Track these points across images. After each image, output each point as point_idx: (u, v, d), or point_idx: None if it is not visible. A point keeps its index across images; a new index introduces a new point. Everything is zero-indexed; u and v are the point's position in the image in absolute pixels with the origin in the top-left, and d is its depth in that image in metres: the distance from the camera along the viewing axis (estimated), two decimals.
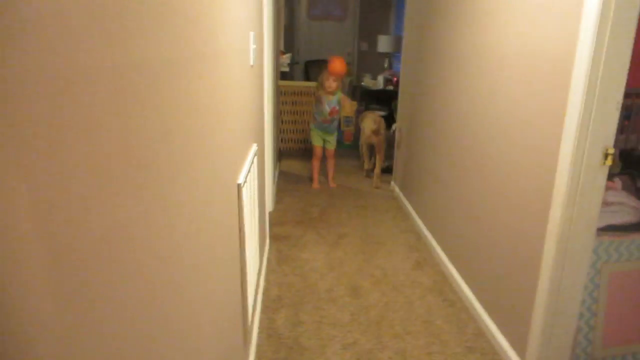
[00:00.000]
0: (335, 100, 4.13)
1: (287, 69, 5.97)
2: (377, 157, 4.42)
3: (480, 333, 2.24)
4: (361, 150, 4.76)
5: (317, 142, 4.29)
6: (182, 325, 0.80)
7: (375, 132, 4.38)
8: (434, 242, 3.06)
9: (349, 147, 5.78)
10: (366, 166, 4.72)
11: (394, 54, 7.39)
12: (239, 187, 1.49)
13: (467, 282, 2.51)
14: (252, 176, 1.84)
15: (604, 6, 1.44)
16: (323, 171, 4.50)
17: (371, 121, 4.42)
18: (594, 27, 1.47)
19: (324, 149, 4.32)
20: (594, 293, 1.87)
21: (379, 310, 2.39)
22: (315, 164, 4.34)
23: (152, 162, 0.63)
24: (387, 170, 4.71)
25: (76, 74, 0.42)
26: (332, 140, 4.30)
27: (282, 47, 5.70)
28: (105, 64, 0.48)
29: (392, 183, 4.36)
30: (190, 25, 0.84)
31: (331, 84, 4.04)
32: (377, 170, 4.42)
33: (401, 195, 4.00)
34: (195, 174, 0.89)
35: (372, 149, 4.62)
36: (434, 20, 3.16)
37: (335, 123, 4.25)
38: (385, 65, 7.42)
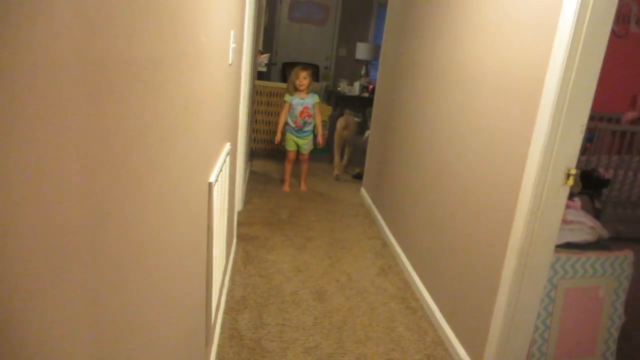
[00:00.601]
0: (308, 101, 4.10)
1: (264, 69, 5.96)
2: (346, 150, 4.89)
3: (440, 341, 2.29)
4: (334, 147, 5.02)
5: (290, 147, 4.26)
6: (147, 320, 0.79)
7: (345, 128, 4.81)
8: (399, 250, 3.10)
9: (322, 151, 5.81)
10: (336, 171, 4.91)
11: (372, 62, 7.47)
12: (210, 185, 1.48)
13: (429, 291, 2.56)
14: (223, 175, 1.83)
15: (574, 34, 1.51)
16: (295, 174, 4.50)
17: (343, 119, 4.90)
18: (565, 51, 1.53)
19: (297, 152, 4.30)
20: (549, 307, 1.94)
21: (342, 315, 2.41)
22: (288, 166, 4.32)
23: (127, 157, 0.63)
24: (358, 177, 4.77)
25: (54, 69, 0.42)
26: (306, 145, 4.27)
27: (260, 47, 5.68)
28: (87, 59, 0.48)
29: (362, 189, 4.40)
30: (173, 22, 0.84)
31: (302, 81, 4.02)
32: (343, 161, 4.91)
33: (370, 201, 4.04)
34: (168, 171, 0.89)
35: (344, 147, 4.97)
36: (413, 32, 3.22)
37: (309, 127, 4.21)
38: (363, 72, 7.49)
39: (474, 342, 2.04)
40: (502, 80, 1.96)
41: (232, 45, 2.02)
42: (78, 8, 0.45)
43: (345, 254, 3.14)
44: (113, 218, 0.59)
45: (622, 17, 4.19)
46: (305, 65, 4.22)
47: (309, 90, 4.10)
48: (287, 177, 4.35)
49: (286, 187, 4.33)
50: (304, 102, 4.08)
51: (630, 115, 4.24)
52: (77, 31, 0.46)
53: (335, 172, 4.90)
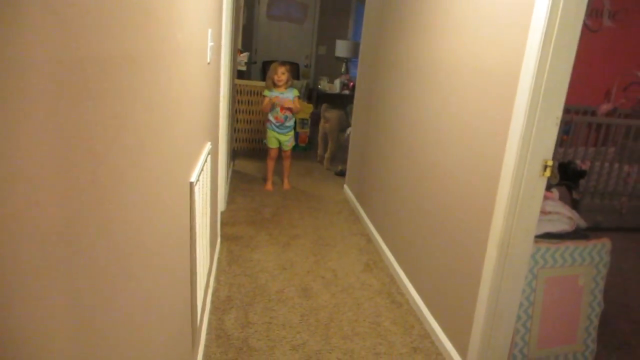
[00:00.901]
0: (288, 95, 4.08)
1: (244, 68, 5.92)
2: (329, 142, 5.13)
3: (426, 334, 2.31)
4: (319, 138, 5.41)
5: (272, 144, 4.25)
6: (132, 322, 0.79)
7: (326, 120, 5.10)
8: (383, 245, 3.12)
9: (305, 149, 5.81)
10: (319, 151, 5.39)
11: (352, 59, 7.49)
12: (191, 185, 1.47)
13: (414, 285, 2.59)
14: (205, 175, 1.82)
15: (547, 29, 1.54)
16: (277, 172, 4.49)
17: (325, 113, 5.22)
18: (538, 47, 1.56)
19: (279, 150, 4.30)
20: (530, 297, 1.98)
21: (328, 311, 2.42)
22: (270, 164, 4.31)
23: (104, 157, 0.62)
24: (341, 174, 4.79)
25: (27, 68, 0.42)
26: (287, 142, 4.26)
27: (240, 46, 5.65)
28: (59, 58, 0.48)
29: (345, 186, 4.41)
30: (148, 20, 0.83)
31: (280, 76, 4.02)
32: (327, 154, 5.17)
33: (353, 198, 4.06)
34: (148, 170, 0.88)
35: (326, 140, 5.27)
36: (391, 30, 3.24)
37: (291, 122, 4.20)
38: (343, 69, 7.51)
39: (459, 334, 2.07)
40: (478, 75, 1.98)
41: (210, 44, 2.01)
42: (50, 7, 0.45)
43: (330, 251, 3.15)
44: (91, 219, 0.59)
45: (595, 12, 4.27)
46: (283, 62, 4.22)
47: (288, 85, 4.10)
48: (270, 175, 4.34)
49: (269, 186, 4.32)
50: (283, 96, 4.07)
51: (605, 107, 4.34)
52: (50, 30, 0.45)
53: (318, 159, 5.43)
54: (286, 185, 4.38)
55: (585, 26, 4.16)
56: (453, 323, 2.13)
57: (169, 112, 1.08)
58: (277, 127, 4.17)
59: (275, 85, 4.06)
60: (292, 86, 4.17)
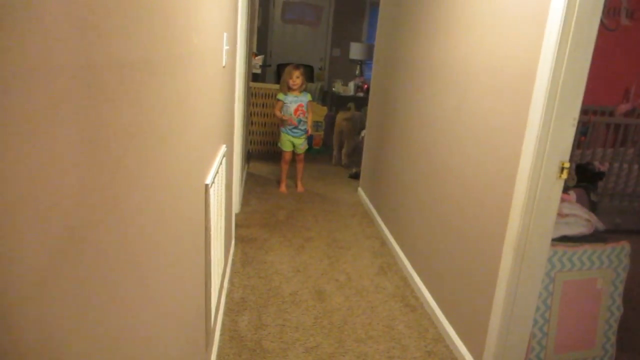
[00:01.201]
0: (302, 99, 4.12)
1: (259, 71, 5.96)
2: (346, 142, 5.21)
3: (440, 338, 2.29)
4: (334, 139, 5.45)
5: (286, 147, 4.26)
6: (146, 323, 0.80)
7: (347, 119, 5.17)
8: (397, 248, 3.11)
9: (319, 152, 5.82)
10: (335, 152, 5.42)
11: (366, 62, 7.48)
12: (206, 187, 1.48)
13: (428, 288, 2.57)
14: (220, 177, 1.84)
15: (563, 28, 1.52)
16: (292, 175, 4.51)
17: (343, 113, 5.33)
18: (555, 46, 1.54)
19: (293, 153, 4.31)
20: (547, 300, 1.95)
21: (342, 314, 2.42)
22: (284, 167, 4.33)
23: (121, 158, 0.63)
24: (355, 176, 4.78)
25: (50, 71, 0.43)
26: (301, 145, 4.28)
27: (254, 49, 5.69)
28: (80, 62, 0.49)
29: (359, 189, 4.41)
30: (166, 25, 0.84)
31: (295, 80, 4.05)
32: (344, 150, 5.25)
33: (368, 201, 4.05)
34: (164, 172, 0.89)
35: (342, 140, 5.33)
36: (406, 31, 3.23)
37: (305, 126, 4.22)
38: (357, 72, 7.50)
39: (474, 338, 2.04)
40: (494, 76, 1.97)
41: (226, 48, 2.03)
42: (70, 11, 0.46)
43: (344, 253, 3.15)
44: (108, 219, 0.60)
45: (612, 10, 4.20)
46: (298, 65, 4.24)
47: (302, 89, 4.13)
48: (284, 178, 4.35)
49: (283, 188, 4.33)
50: (298, 99, 4.10)
51: (623, 107, 4.26)
52: (71, 34, 0.46)
53: (333, 162, 5.42)
54: (300, 188, 4.39)
55: (602, 25, 4.10)
56: (468, 327, 2.11)
57: (186, 115, 1.09)
58: (291, 130, 4.19)
59: (290, 89, 4.08)
60: (306, 90, 4.20)
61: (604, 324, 2.05)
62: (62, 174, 0.46)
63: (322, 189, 4.54)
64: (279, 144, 4.40)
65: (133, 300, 0.72)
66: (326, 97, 7.28)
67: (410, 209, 2.94)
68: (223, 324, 2.23)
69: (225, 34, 1.99)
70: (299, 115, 4.13)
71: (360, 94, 6.74)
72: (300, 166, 4.37)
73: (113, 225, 0.61)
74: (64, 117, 0.46)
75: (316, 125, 5.75)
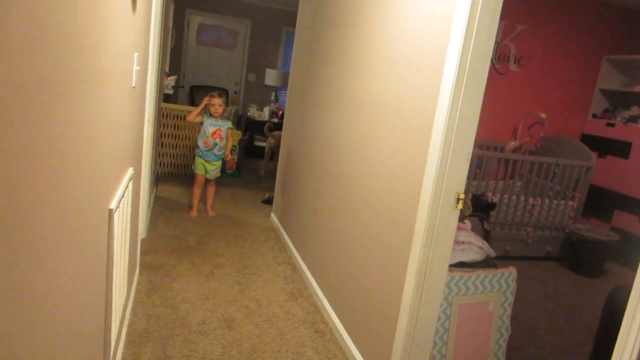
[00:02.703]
0: (222, 124, 4.13)
1: (171, 92, 5.81)
2: (274, 157, 5.60)
3: None
4: (265, 154, 6.05)
5: (200, 170, 4.19)
6: (34, 358, 0.74)
7: (273, 137, 5.72)
8: (308, 274, 3.14)
9: (232, 175, 5.75)
10: (261, 172, 6.06)
11: (281, 89, 7.60)
12: (110, 212, 1.41)
13: (337, 314, 2.62)
14: (125, 201, 1.76)
15: (458, 73, 1.68)
16: (203, 199, 4.40)
17: (270, 132, 5.94)
18: (451, 88, 1.70)
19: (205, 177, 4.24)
20: (445, 323, 2.08)
21: (251, 342, 2.38)
22: (196, 191, 4.22)
23: (15, 186, 0.59)
24: (268, 201, 4.79)
25: None
26: (213, 171, 4.23)
27: (167, 69, 5.55)
28: None
29: (272, 214, 4.41)
30: (69, 44, 0.81)
31: (217, 109, 4.08)
32: (272, 163, 5.73)
33: (280, 226, 4.06)
34: (65, 197, 0.84)
35: (272, 154, 5.86)
36: (319, 62, 3.35)
37: (220, 152, 4.18)
38: (272, 97, 7.58)
39: None
40: (399, 111, 2.10)
41: (136, 68, 1.97)
42: None
43: (255, 279, 3.11)
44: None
45: (503, 56, 4.69)
46: (220, 92, 4.26)
47: (224, 117, 4.16)
48: (195, 202, 4.24)
49: (194, 213, 4.22)
50: (217, 124, 4.09)
51: (512, 144, 4.72)
52: None
53: (261, 172, 6.01)
54: (210, 212, 4.30)
55: (494, 69, 4.55)
56: (374, 351, 2.18)
57: (91, 137, 1.04)
58: (205, 153, 4.13)
59: (211, 115, 4.09)
60: (226, 118, 4.23)
61: (494, 344, 2.22)
62: None
63: (235, 213, 4.48)
64: (192, 167, 4.30)
65: (19, 336, 0.66)
66: (241, 121, 7.26)
67: (320, 234, 3.00)
68: (123, 358, 2.09)
69: (136, 54, 1.94)
70: (215, 139, 4.10)
71: (275, 120, 6.81)
72: (211, 190, 4.29)
73: (7, 254, 0.57)
74: None
75: (230, 150, 5.69)
